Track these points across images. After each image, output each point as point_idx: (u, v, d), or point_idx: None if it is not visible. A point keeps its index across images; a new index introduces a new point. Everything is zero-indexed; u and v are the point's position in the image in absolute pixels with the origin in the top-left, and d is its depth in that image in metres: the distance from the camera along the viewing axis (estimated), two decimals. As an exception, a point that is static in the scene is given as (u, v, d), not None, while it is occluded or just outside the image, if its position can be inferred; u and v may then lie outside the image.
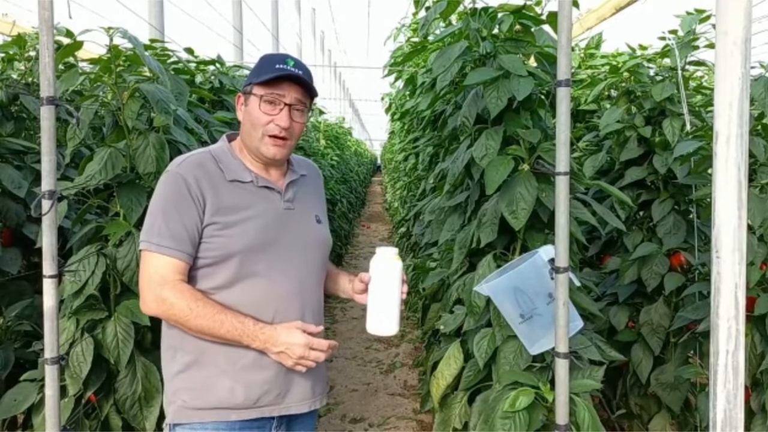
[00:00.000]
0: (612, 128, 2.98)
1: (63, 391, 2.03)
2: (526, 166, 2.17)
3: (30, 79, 3.01)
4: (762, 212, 2.25)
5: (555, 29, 2.17)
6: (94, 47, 2.36)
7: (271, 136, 1.65)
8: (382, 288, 1.67)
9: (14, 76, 3.11)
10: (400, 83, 4.59)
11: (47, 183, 1.69)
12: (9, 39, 3.29)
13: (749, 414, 2.32)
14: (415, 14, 3.71)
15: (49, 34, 1.66)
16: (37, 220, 1.78)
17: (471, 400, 2.25)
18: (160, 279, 1.56)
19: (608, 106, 3.34)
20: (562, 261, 1.70)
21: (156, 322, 1.72)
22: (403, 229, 6.63)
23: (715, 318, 1.45)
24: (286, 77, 1.63)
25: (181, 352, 1.62)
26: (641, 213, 3.11)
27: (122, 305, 2.20)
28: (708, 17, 2.75)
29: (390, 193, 12.87)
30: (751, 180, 2.31)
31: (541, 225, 2.22)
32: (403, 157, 6.31)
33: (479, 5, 2.31)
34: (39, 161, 1.80)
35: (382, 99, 6.17)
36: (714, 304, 1.45)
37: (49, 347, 1.72)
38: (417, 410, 4.01)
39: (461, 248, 2.34)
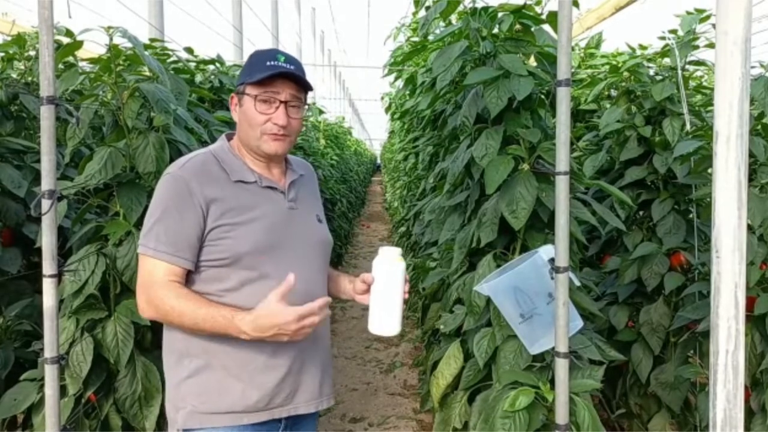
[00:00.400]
0: (612, 128, 2.98)
1: (63, 390, 2.03)
2: (526, 166, 2.17)
3: (30, 79, 3.01)
4: (762, 212, 2.25)
5: (555, 29, 2.16)
6: (94, 47, 2.36)
7: (270, 134, 1.63)
8: (385, 288, 1.67)
9: (14, 75, 3.11)
10: (400, 83, 4.59)
11: (47, 182, 1.69)
12: (9, 38, 3.29)
13: (749, 414, 2.32)
14: (415, 14, 3.71)
15: (49, 34, 1.66)
16: (37, 220, 1.78)
17: (471, 400, 2.25)
18: (150, 282, 1.55)
19: (608, 105, 3.34)
20: (562, 261, 1.70)
21: (156, 322, 1.71)
22: (402, 229, 6.63)
23: (715, 318, 1.45)
24: (279, 75, 1.61)
25: (189, 357, 1.60)
26: (641, 213, 3.11)
27: (122, 305, 2.20)
28: (708, 17, 2.75)
29: (390, 192, 12.88)
30: (751, 180, 2.31)
31: (541, 225, 2.22)
32: (403, 156, 6.31)
33: (479, 5, 2.31)
34: (39, 161, 1.80)
35: (382, 98, 6.17)
36: (714, 303, 1.45)
37: (49, 347, 1.72)
38: (417, 410, 4.01)
39: (461, 248, 2.35)
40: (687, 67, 2.94)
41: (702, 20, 2.77)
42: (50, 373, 1.73)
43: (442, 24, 2.79)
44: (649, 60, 3.08)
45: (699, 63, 2.95)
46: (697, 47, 2.79)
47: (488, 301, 2.11)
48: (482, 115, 2.32)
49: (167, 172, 1.64)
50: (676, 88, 2.82)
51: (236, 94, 1.69)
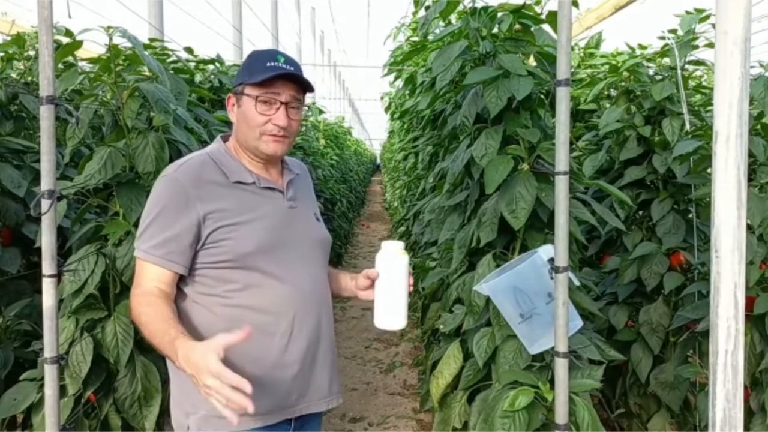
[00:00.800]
0: (611, 128, 2.98)
1: (62, 390, 2.02)
2: (525, 166, 2.17)
3: (29, 79, 3.01)
4: (761, 212, 2.25)
5: (554, 29, 2.17)
6: (93, 46, 2.36)
7: (269, 135, 1.62)
8: (390, 283, 1.67)
9: (14, 75, 3.12)
10: (399, 82, 4.59)
11: (47, 182, 1.68)
12: (8, 38, 3.29)
13: (748, 413, 2.32)
14: (414, 13, 3.71)
15: (49, 34, 1.66)
16: (37, 220, 1.77)
17: (470, 400, 2.25)
18: (136, 284, 1.55)
19: (608, 105, 3.34)
20: (562, 260, 1.70)
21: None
22: (402, 229, 6.63)
23: (715, 317, 1.45)
24: (279, 76, 1.60)
25: None
26: (641, 212, 3.11)
27: (122, 305, 2.20)
28: (707, 17, 2.75)
29: (389, 192, 12.88)
30: (750, 179, 2.31)
31: (540, 224, 2.22)
32: (403, 156, 6.31)
33: (479, 4, 2.31)
34: (38, 160, 1.79)
35: (382, 98, 6.17)
36: (713, 303, 1.45)
37: (49, 347, 1.72)
38: (416, 409, 4.01)
39: (461, 248, 2.35)
40: (686, 66, 2.94)
41: (701, 20, 2.77)
42: (50, 373, 1.73)
43: (441, 24, 2.79)
44: (648, 60, 3.08)
45: (698, 63, 2.94)
46: (696, 47, 2.79)
47: (488, 300, 2.11)
48: (482, 114, 2.32)
49: (164, 174, 1.62)
50: (675, 87, 2.82)
51: (234, 94, 1.67)
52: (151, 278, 1.55)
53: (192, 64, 3.26)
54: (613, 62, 3.42)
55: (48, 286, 1.70)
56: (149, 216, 1.57)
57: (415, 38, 3.86)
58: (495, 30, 2.32)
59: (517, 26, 2.29)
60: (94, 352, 2.11)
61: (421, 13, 2.96)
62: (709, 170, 2.34)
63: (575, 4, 2.19)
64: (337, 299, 1.81)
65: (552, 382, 1.84)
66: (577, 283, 1.92)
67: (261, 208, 1.63)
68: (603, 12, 4.21)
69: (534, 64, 2.33)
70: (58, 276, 1.73)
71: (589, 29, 4.33)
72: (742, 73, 1.39)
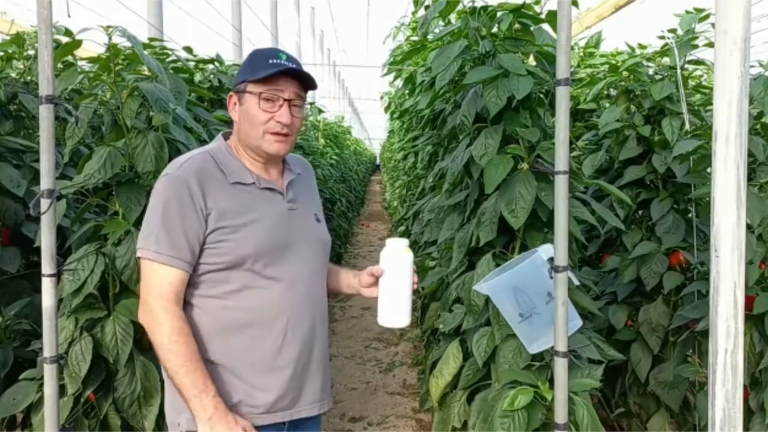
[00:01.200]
0: (611, 127, 2.98)
1: (62, 390, 2.02)
2: (525, 165, 2.17)
3: (29, 78, 3.01)
4: (761, 211, 2.25)
5: (554, 28, 2.17)
6: (93, 46, 2.36)
7: (273, 133, 1.61)
8: (394, 280, 1.67)
9: (13, 74, 3.11)
10: (399, 82, 4.59)
11: (46, 182, 1.68)
12: (8, 38, 3.28)
13: (748, 413, 2.32)
14: (414, 13, 3.71)
15: (48, 33, 1.65)
16: (36, 219, 1.77)
17: (470, 399, 2.25)
18: (157, 292, 1.53)
19: (607, 105, 3.35)
20: (561, 260, 1.70)
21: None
22: (402, 228, 6.62)
23: (714, 317, 1.45)
24: (283, 73, 1.59)
25: None
26: (640, 212, 3.11)
27: (121, 304, 2.19)
28: (707, 16, 2.75)
29: (389, 191, 12.87)
30: (750, 179, 2.32)
31: (540, 224, 2.22)
32: (403, 155, 6.31)
33: (478, 4, 2.31)
34: (38, 160, 1.80)
35: (382, 98, 6.16)
36: (713, 303, 1.45)
37: (48, 346, 1.72)
38: (416, 409, 4.01)
39: (460, 247, 2.35)
40: (686, 66, 2.95)
41: (701, 19, 2.77)
42: (49, 372, 1.72)
43: (441, 23, 2.79)
44: (648, 59, 3.08)
45: (698, 62, 2.95)
46: (696, 46, 2.79)
47: (487, 300, 2.11)
48: (481, 114, 2.32)
49: (165, 173, 1.61)
50: (675, 87, 2.82)
51: (236, 92, 1.66)
52: (163, 282, 1.53)
53: (191, 64, 3.26)
54: (613, 62, 3.42)
55: (47, 286, 1.70)
56: (154, 216, 1.56)
57: (415, 38, 3.86)
58: (494, 29, 2.32)
59: (517, 26, 2.29)
60: (93, 351, 2.11)
61: (421, 12, 2.97)
62: (708, 170, 2.33)
63: (575, 3, 2.19)
64: (339, 296, 1.83)
65: (551, 381, 1.84)
66: (576, 282, 1.92)
67: (260, 210, 1.62)
68: (603, 11, 4.21)
69: (534, 63, 2.33)
70: (58, 275, 1.72)
71: (588, 29, 4.34)
72: (741, 72, 1.39)
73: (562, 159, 1.68)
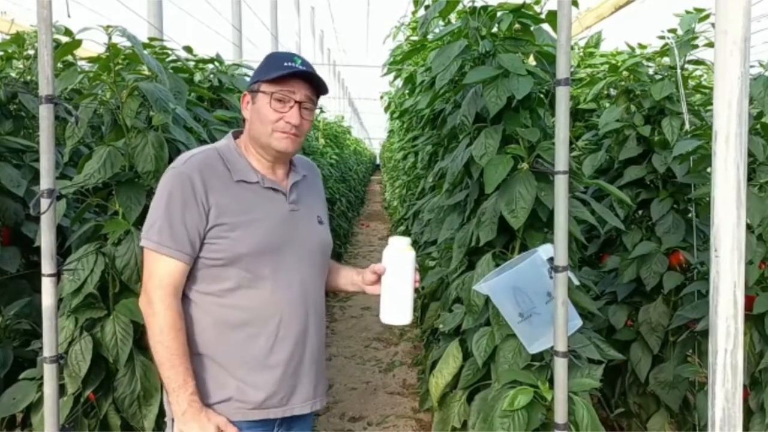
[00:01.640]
0: (611, 127, 2.98)
1: (62, 389, 2.02)
2: (525, 165, 2.17)
3: (29, 78, 3.01)
4: (761, 211, 2.25)
5: (554, 28, 2.17)
6: (92, 46, 2.36)
7: (281, 131, 1.64)
8: (396, 278, 1.70)
9: (13, 74, 3.11)
10: (399, 82, 4.58)
11: (46, 181, 1.68)
12: (8, 37, 3.28)
13: (748, 413, 2.32)
14: (414, 13, 3.71)
15: (48, 33, 1.65)
16: (36, 219, 1.77)
17: (470, 399, 2.25)
18: (157, 282, 1.57)
19: (607, 104, 3.34)
20: (561, 260, 1.70)
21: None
22: (402, 228, 6.62)
23: (714, 317, 1.45)
24: (296, 75, 1.63)
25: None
26: (640, 212, 3.11)
27: (121, 304, 2.20)
28: (707, 16, 2.75)
29: (389, 191, 12.87)
30: (750, 179, 2.31)
31: (540, 224, 2.22)
32: (403, 155, 6.31)
33: (478, 4, 2.31)
34: (38, 160, 1.80)
35: (381, 98, 6.16)
36: (713, 302, 1.45)
37: (48, 346, 1.72)
38: (416, 409, 4.01)
39: (460, 247, 2.35)
40: (686, 66, 2.94)
41: (701, 19, 2.77)
42: (49, 372, 1.72)
43: (441, 23, 2.79)
44: (648, 59, 3.08)
45: (698, 62, 2.95)
46: (696, 46, 2.79)
47: (487, 300, 2.11)
48: (481, 114, 2.32)
49: (172, 166, 1.66)
50: (675, 87, 2.82)
51: (250, 91, 1.70)
52: (163, 273, 1.57)
53: (191, 64, 3.26)
54: (613, 62, 3.41)
55: (47, 286, 1.70)
56: (158, 208, 1.60)
57: (415, 38, 3.86)
58: (494, 29, 2.32)
59: (517, 25, 2.29)
60: (93, 351, 2.11)
61: (421, 12, 2.96)
62: (708, 170, 2.34)
63: (575, 3, 2.19)
64: (341, 294, 1.85)
65: (551, 381, 1.84)
66: (576, 282, 1.92)
67: (261, 209, 1.65)
68: (603, 11, 4.22)
69: (533, 63, 2.33)
70: (58, 275, 1.73)
71: (588, 29, 4.34)
72: (741, 72, 1.39)
73: (562, 159, 1.68)
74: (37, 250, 1.91)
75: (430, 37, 2.87)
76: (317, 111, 1.73)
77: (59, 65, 2.66)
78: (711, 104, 1.93)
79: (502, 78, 2.13)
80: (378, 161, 27.72)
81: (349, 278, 1.86)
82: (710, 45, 2.73)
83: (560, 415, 1.76)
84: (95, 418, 2.21)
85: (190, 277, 1.61)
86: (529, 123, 2.23)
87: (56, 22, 2.24)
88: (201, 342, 1.62)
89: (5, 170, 2.66)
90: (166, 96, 2.21)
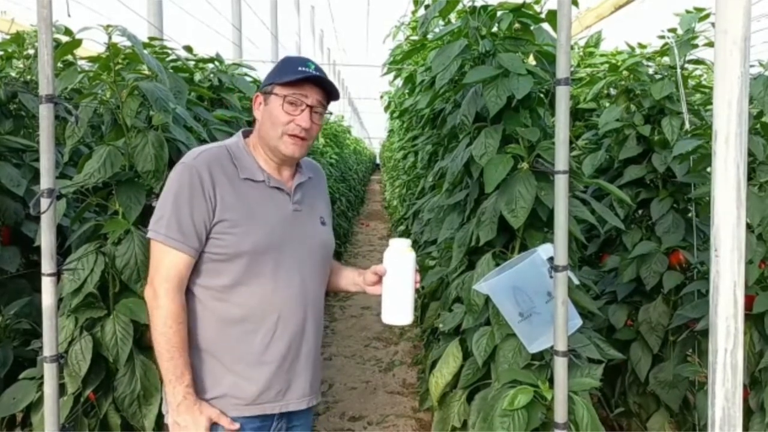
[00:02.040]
0: (611, 127, 2.98)
1: (62, 389, 2.02)
2: (525, 165, 2.17)
3: (29, 77, 3.01)
4: (761, 211, 2.25)
5: (554, 28, 2.16)
6: (92, 45, 2.36)
7: (290, 135, 1.67)
8: (397, 279, 1.72)
9: (13, 74, 3.11)
10: (399, 81, 4.58)
11: (46, 181, 1.68)
12: (7, 37, 3.28)
13: (747, 412, 2.32)
14: (414, 12, 3.71)
15: (48, 32, 1.65)
16: (36, 219, 1.77)
17: (470, 399, 2.25)
18: (163, 275, 1.61)
19: (607, 104, 3.34)
20: (561, 259, 1.70)
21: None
22: (402, 228, 6.62)
23: (714, 316, 1.45)
24: (309, 79, 1.66)
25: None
26: (640, 211, 3.11)
27: (121, 303, 2.20)
28: (707, 16, 2.75)
29: (389, 191, 12.86)
30: (750, 179, 2.31)
31: (540, 223, 2.22)
32: (402, 155, 6.31)
33: (478, 3, 2.31)
34: (38, 159, 1.80)
35: (381, 97, 6.16)
36: (713, 302, 1.45)
37: (48, 345, 1.72)
38: (416, 408, 4.01)
39: (460, 246, 2.35)
40: (686, 65, 2.94)
41: (701, 19, 2.77)
42: (49, 371, 1.73)
43: (441, 23, 2.79)
44: (648, 59, 3.08)
45: (698, 62, 2.94)
46: (696, 46, 2.79)
47: (487, 299, 2.11)
48: (481, 113, 2.32)
49: (182, 161, 1.69)
50: (675, 86, 2.81)
51: (263, 93, 1.73)
52: (169, 265, 1.60)
53: (191, 63, 3.25)
54: (613, 61, 3.41)
55: (47, 285, 1.70)
56: (167, 201, 1.63)
57: (415, 37, 3.86)
58: (494, 29, 2.32)
59: (517, 25, 2.29)
60: (93, 350, 2.11)
61: (421, 11, 2.96)
62: (708, 169, 2.34)
63: (575, 3, 2.18)
64: (342, 294, 1.87)
65: (551, 381, 1.84)
66: (576, 282, 1.92)
67: (265, 207, 1.68)
68: (602, 11, 4.21)
69: (534, 63, 2.33)
70: (58, 275, 1.73)
71: (588, 28, 4.34)
72: (741, 72, 1.39)
73: (562, 158, 1.68)
74: (37, 250, 1.91)
75: (430, 36, 2.87)
76: (327, 116, 1.76)
77: (59, 65, 2.66)
78: (711, 104, 1.93)
79: (502, 77, 2.13)
80: (378, 161, 27.73)
81: (350, 279, 1.89)
82: (710, 44, 2.73)
83: (560, 415, 1.76)
84: (95, 418, 2.21)
85: (194, 270, 1.65)
86: (529, 122, 2.23)
87: (56, 21, 2.24)
88: (201, 336, 1.65)
89: (5, 170, 2.66)
90: (166, 95, 2.21)
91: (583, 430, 1.84)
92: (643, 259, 2.86)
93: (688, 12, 2.82)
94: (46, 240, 1.70)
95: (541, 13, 2.29)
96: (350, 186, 11.49)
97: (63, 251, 2.31)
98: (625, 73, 3.09)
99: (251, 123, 1.92)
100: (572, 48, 3.79)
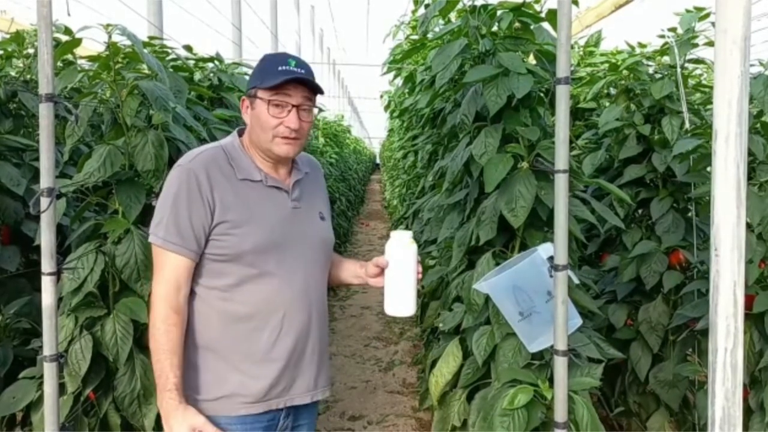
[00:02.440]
0: (611, 126, 2.98)
1: (62, 388, 2.02)
2: (525, 164, 2.17)
3: (28, 76, 3.01)
4: (761, 210, 2.25)
5: (554, 27, 2.16)
6: (92, 44, 2.35)
7: (282, 137, 1.67)
8: (399, 271, 1.73)
9: (12, 73, 3.11)
10: (399, 81, 4.58)
11: (46, 180, 1.68)
12: (7, 36, 3.28)
13: (747, 412, 2.32)
14: (414, 12, 3.71)
15: (48, 31, 1.65)
16: (36, 218, 1.77)
17: (470, 398, 2.25)
18: (163, 278, 1.61)
19: (607, 103, 3.34)
20: (561, 259, 1.70)
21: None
22: (402, 227, 6.62)
23: (714, 316, 1.45)
24: (291, 80, 1.65)
25: (188, 349, 1.65)
26: (640, 211, 3.11)
27: (121, 303, 2.20)
28: (707, 15, 2.75)
29: (389, 190, 12.86)
30: (750, 178, 2.31)
31: (540, 223, 2.22)
32: (402, 154, 6.31)
33: (478, 2, 2.30)
34: (37, 159, 1.80)
35: (381, 97, 6.16)
36: (713, 302, 1.45)
37: (48, 345, 1.72)
38: (416, 408, 4.01)
39: (460, 246, 2.34)
40: (686, 65, 2.94)
41: (701, 18, 2.77)
42: (49, 371, 1.73)
43: (441, 22, 2.79)
44: (648, 58, 3.08)
45: (698, 61, 2.94)
46: (696, 45, 2.79)
47: (487, 299, 2.11)
48: (481, 113, 2.32)
49: (178, 164, 1.68)
50: (675, 86, 2.81)
51: (248, 97, 1.72)
52: (169, 268, 1.61)
53: (191, 62, 3.25)
54: (613, 60, 3.41)
55: (47, 284, 1.70)
56: (166, 204, 1.63)
57: (415, 36, 3.86)
58: (494, 28, 2.32)
59: (517, 24, 2.29)
60: (93, 350, 2.11)
61: (421, 11, 2.96)
62: (708, 169, 2.33)
63: (575, 2, 2.18)
64: (335, 297, 1.87)
65: (551, 380, 1.84)
66: (576, 281, 1.92)
67: (264, 207, 1.68)
68: (603, 10, 4.22)
69: (534, 62, 2.33)
70: (58, 274, 1.73)
71: (588, 27, 4.34)
72: (741, 71, 1.39)
73: (562, 158, 1.68)
74: (37, 249, 1.91)
75: (430, 35, 2.87)
76: (316, 110, 1.74)
77: (59, 64, 2.66)
78: (711, 103, 1.93)
79: (502, 77, 2.13)
80: (378, 160, 27.72)
81: (352, 271, 1.90)
82: (710, 44, 2.73)
83: (560, 414, 1.76)
84: (95, 417, 2.21)
85: (196, 271, 1.65)
86: (529, 122, 2.23)
87: (56, 20, 2.23)
88: (206, 335, 1.66)
89: (5, 169, 2.65)
90: (165, 95, 2.21)
91: (583, 429, 1.84)
92: (643, 258, 2.86)
93: (688, 11, 2.82)
94: (46, 239, 1.70)
95: (541, 12, 2.29)
96: (350, 185, 11.49)
97: (63, 250, 2.31)
98: (625, 72, 3.09)
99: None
100: (572, 47, 3.79)
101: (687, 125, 2.73)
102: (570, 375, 1.80)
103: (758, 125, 2.50)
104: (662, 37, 2.91)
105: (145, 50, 2.25)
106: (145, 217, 2.16)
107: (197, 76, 3.19)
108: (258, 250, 1.64)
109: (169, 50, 2.80)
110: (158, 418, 2.15)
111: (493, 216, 2.19)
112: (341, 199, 8.99)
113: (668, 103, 2.89)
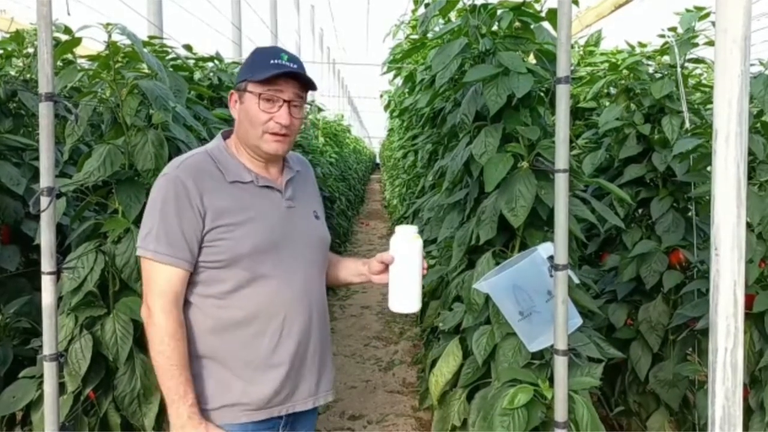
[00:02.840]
0: (611, 126, 2.98)
1: (62, 388, 2.02)
2: (525, 164, 2.17)
3: (28, 76, 3.01)
4: (761, 210, 2.25)
5: (554, 26, 2.16)
6: (92, 44, 2.35)
7: (272, 134, 1.62)
8: (404, 266, 1.70)
9: (12, 72, 3.11)
10: (399, 80, 4.58)
11: (46, 180, 1.68)
12: (7, 35, 3.28)
13: (747, 411, 2.33)
14: (414, 11, 3.70)
15: (48, 31, 1.65)
16: (36, 217, 1.77)
17: (470, 398, 2.25)
18: (157, 291, 1.55)
19: (607, 103, 3.34)
20: (561, 258, 1.70)
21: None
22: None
23: (714, 315, 1.45)
24: (283, 73, 1.60)
25: (190, 357, 1.60)
26: (640, 210, 3.11)
27: (121, 302, 2.20)
28: (707, 14, 2.75)
29: (389, 190, 12.86)
30: (750, 178, 2.31)
31: (540, 222, 2.22)
32: (402, 154, 6.31)
33: (479, 2, 2.30)
34: (37, 158, 1.79)
35: (381, 96, 6.16)
36: (713, 301, 1.45)
37: (48, 344, 1.72)
38: (416, 407, 4.01)
39: (460, 245, 2.34)
40: (686, 64, 2.94)
41: (701, 18, 2.77)
42: (49, 370, 1.72)
43: (441, 21, 2.79)
44: (648, 58, 3.08)
45: (698, 61, 2.94)
46: (696, 45, 2.79)
47: (487, 298, 2.11)
48: (481, 112, 2.32)
49: (163, 173, 1.62)
50: (675, 85, 2.81)
51: (237, 90, 1.67)
52: (163, 281, 1.55)
53: (191, 62, 3.26)
54: (613, 60, 3.41)
55: (47, 284, 1.70)
56: (153, 216, 1.57)
57: (415, 36, 3.86)
58: (495, 27, 2.32)
59: (517, 24, 2.29)
60: (93, 349, 2.11)
61: (421, 10, 2.96)
62: (708, 168, 2.33)
63: (575, 2, 2.18)
64: (335, 296, 1.85)
65: (551, 379, 1.84)
66: (576, 281, 1.92)
67: (258, 208, 1.63)
68: (603, 10, 4.22)
69: (534, 61, 2.33)
70: (58, 273, 1.72)
71: (588, 27, 4.34)
72: (741, 71, 1.39)
73: (562, 157, 1.67)
74: (37, 249, 1.91)
75: (430, 35, 2.87)
76: (308, 108, 1.71)
77: (59, 63, 2.66)
78: (711, 103, 1.93)
79: (502, 76, 2.13)
80: (378, 160, 27.72)
81: (353, 269, 1.85)
82: (710, 43, 2.73)
83: (560, 414, 1.76)
84: (95, 417, 2.21)
85: (190, 281, 1.59)
86: (529, 121, 2.23)
87: (56, 20, 2.23)
88: (204, 345, 1.60)
89: (5, 168, 2.65)
90: (165, 94, 2.21)
91: (583, 429, 1.84)
92: (643, 258, 2.86)
93: (688, 11, 2.82)
94: (46, 238, 1.69)
95: (541, 11, 2.29)
96: (350, 185, 11.49)
97: (63, 250, 2.31)
98: (625, 72, 3.09)
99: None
100: (572, 47, 3.79)
101: (687, 125, 2.73)
102: (570, 374, 1.80)
103: (758, 125, 2.50)
104: (662, 36, 2.91)
105: (145, 49, 2.25)
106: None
107: (197, 75, 3.20)
108: (255, 253, 1.58)
109: (169, 50, 2.80)
110: (158, 418, 2.16)
111: (493, 215, 2.19)
112: (341, 199, 8.98)
113: (668, 102, 2.89)
